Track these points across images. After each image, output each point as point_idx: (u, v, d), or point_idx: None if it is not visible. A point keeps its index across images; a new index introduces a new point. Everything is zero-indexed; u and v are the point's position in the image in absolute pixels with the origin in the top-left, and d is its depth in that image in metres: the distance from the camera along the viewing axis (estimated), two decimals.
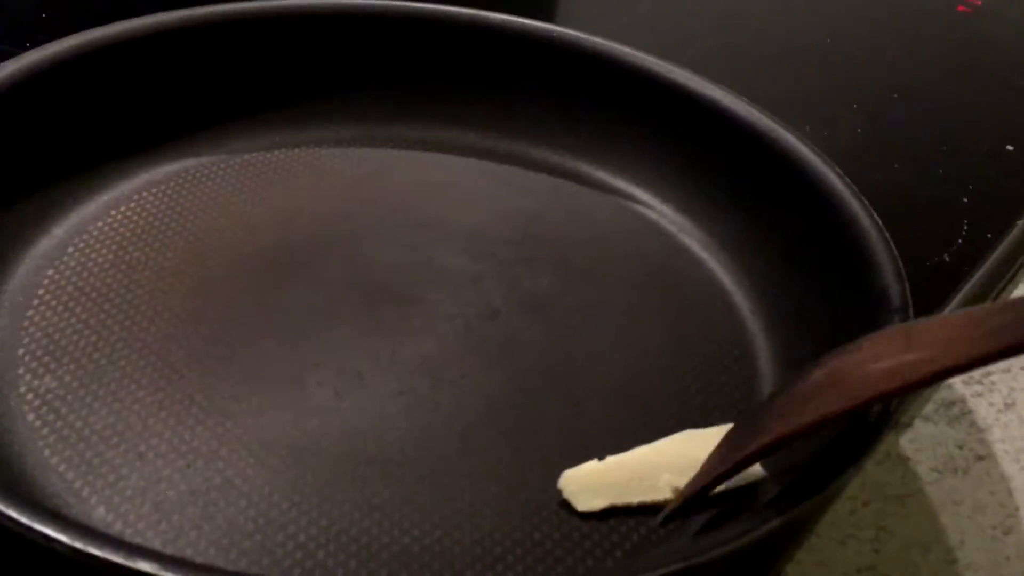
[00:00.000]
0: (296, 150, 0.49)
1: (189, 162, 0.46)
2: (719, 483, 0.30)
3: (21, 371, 0.34)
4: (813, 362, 0.29)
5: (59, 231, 0.41)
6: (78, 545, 0.23)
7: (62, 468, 0.31)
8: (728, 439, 0.31)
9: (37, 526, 0.23)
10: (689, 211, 0.47)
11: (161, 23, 0.46)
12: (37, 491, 0.30)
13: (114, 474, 0.31)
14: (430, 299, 0.41)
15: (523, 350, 0.39)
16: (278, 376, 0.36)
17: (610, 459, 0.33)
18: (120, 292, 0.39)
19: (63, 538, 0.23)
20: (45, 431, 0.32)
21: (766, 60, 0.66)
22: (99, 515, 0.30)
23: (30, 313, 0.37)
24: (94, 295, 0.38)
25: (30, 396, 0.33)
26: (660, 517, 0.32)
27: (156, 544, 0.29)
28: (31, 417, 0.33)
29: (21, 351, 0.35)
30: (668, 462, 0.33)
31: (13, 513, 0.23)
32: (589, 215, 0.47)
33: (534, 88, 0.50)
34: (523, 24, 0.51)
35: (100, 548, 0.23)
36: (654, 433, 0.35)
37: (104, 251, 0.40)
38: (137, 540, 0.29)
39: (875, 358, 0.26)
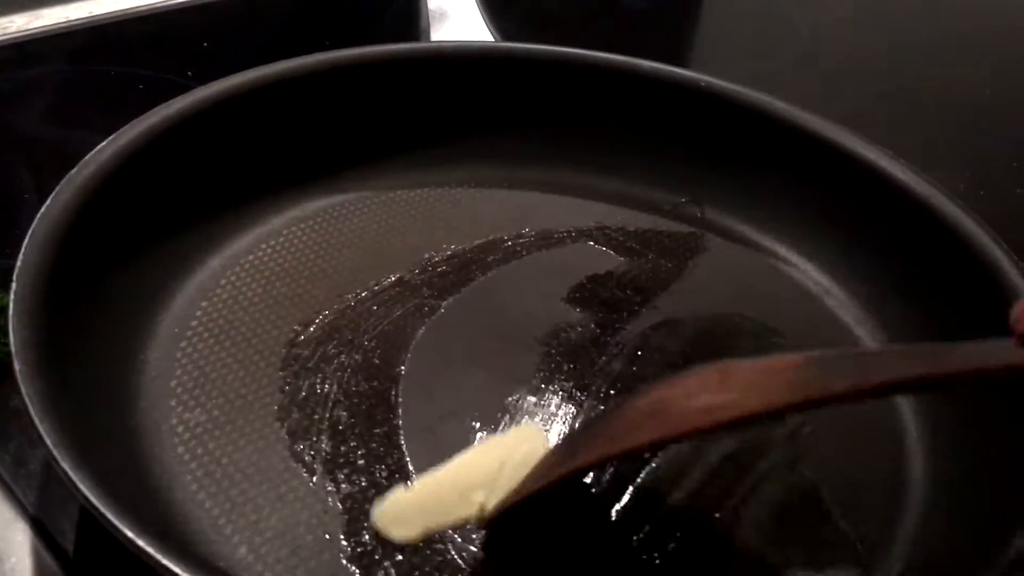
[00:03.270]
0: (438, 189, 0.49)
1: (335, 198, 0.47)
2: (528, 497, 0.31)
3: (173, 403, 0.36)
4: (638, 390, 0.30)
5: (214, 263, 0.42)
6: None
7: (208, 504, 0.32)
8: (547, 460, 0.32)
9: None
10: (834, 272, 0.46)
11: (317, 63, 0.47)
12: (183, 525, 0.31)
13: (256, 514, 0.32)
14: (563, 350, 0.41)
15: None
16: (412, 426, 0.36)
17: (418, 483, 0.33)
18: (267, 328, 0.40)
19: None
20: (193, 465, 0.33)
21: (920, 114, 0.63)
22: (240, 555, 0.31)
23: (183, 344, 0.38)
24: (243, 330, 0.39)
25: (180, 428, 0.35)
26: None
27: None
28: (180, 450, 0.34)
29: (174, 383, 0.37)
30: (475, 475, 0.33)
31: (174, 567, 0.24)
32: (730, 271, 0.46)
33: (679, 137, 0.50)
34: (672, 72, 0.50)
35: None
36: None
37: (254, 285, 0.42)
38: None
39: (694, 394, 0.28)
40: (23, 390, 0.28)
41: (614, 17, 0.74)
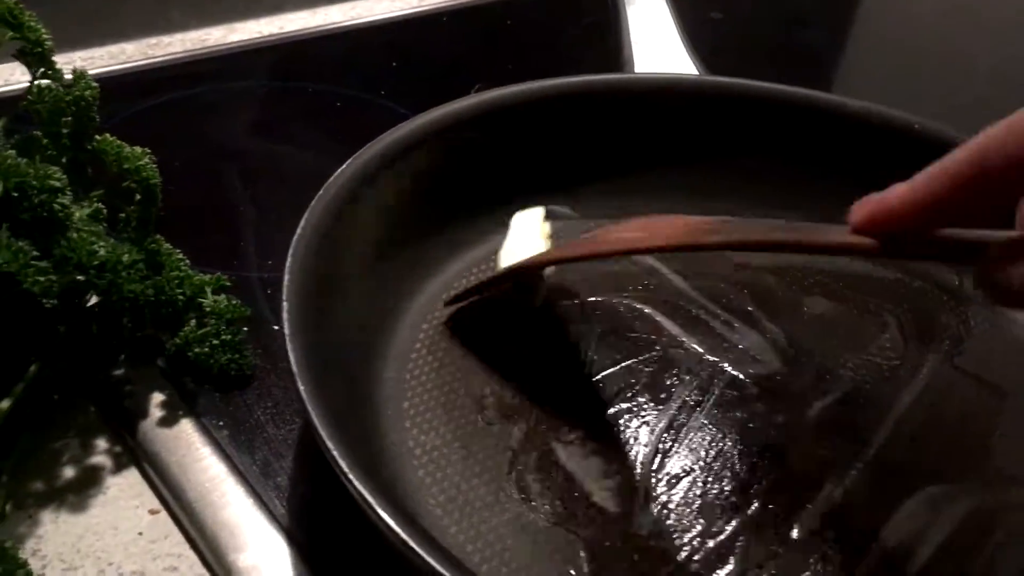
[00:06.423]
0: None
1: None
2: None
3: (408, 424, 0.36)
4: None
5: (431, 287, 0.43)
6: None
7: (453, 530, 0.33)
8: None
9: None
10: None
11: (533, 90, 0.48)
12: None
13: (499, 544, 0.32)
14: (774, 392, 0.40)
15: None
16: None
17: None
18: (487, 353, 0.40)
19: None
20: (435, 490, 0.34)
21: None
22: None
23: (410, 366, 0.39)
24: (462, 354, 0.40)
25: (418, 451, 0.35)
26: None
27: None
28: (421, 473, 0.35)
29: (406, 404, 0.37)
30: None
31: None
32: (937, 321, 0.45)
33: (880, 178, 0.48)
34: (883, 112, 0.50)
35: None
36: None
37: (469, 309, 0.42)
38: None
39: (622, 230, 0.38)
40: (311, 411, 0.28)
41: (790, 52, 0.73)
